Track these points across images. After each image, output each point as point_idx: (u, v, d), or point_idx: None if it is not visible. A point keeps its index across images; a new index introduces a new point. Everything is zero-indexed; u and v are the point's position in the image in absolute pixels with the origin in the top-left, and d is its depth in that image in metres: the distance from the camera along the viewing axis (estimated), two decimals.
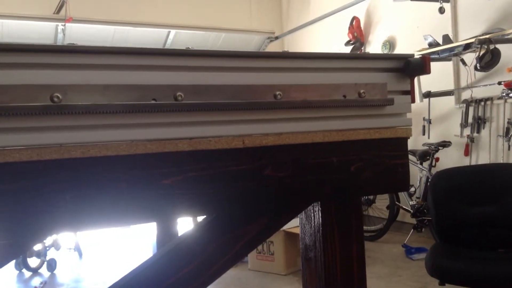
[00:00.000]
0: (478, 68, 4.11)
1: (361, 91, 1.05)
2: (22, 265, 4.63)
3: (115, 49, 0.85)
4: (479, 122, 4.49)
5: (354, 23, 5.95)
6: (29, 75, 0.79)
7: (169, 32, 6.51)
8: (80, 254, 5.24)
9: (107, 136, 0.84)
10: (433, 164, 4.66)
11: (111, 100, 0.83)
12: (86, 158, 0.82)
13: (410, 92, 1.14)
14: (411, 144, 4.67)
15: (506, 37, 4.04)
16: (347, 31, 6.02)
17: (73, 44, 0.82)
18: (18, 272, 4.69)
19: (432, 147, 4.63)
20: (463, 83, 4.68)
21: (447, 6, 4.70)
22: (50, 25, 5.68)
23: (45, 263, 4.69)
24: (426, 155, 4.70)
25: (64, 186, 0.81)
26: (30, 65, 0.79)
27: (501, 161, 4.29)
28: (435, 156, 4.66)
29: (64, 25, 5.52)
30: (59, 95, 0.79)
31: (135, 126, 0.86)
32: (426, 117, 4.87)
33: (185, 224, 4.41)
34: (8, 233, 0.79)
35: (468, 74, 4.47)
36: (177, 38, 6.62)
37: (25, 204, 0.78)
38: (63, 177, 0.81)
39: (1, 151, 0.77)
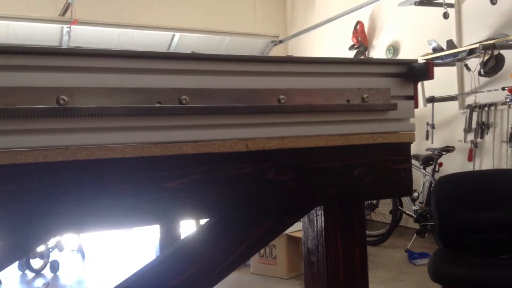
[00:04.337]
0: (482, 73, 4.11)
1: (365, 96, 1.06)
2: (25, 266, 4.65)
3: (121, 52, 0.86)
4: (483, 128, 4.49)
5: (358, 28, 5.95)
6: (35, 77, 0.80)
7: (174, 35, 6.52)
8: (83, 256, 5.25)
9: (113, 139, 0.85)
10: (437, 169, 4.65)
11: (116, 103, 0.83)
12: (91, 160, 0.82)
13: (414, 98, 1.14)
14: (414, 149, 4.67)
15: (510, 42, 4.04)
16: (351, 35, 6.02)
17: (79, 47, 0.83)
18: (21, 273, 4.71)
19: (436, 152, 4.63)
20: (467, 88, 4.67)
21: (451, 11, 4.70)
22: (56, 27, 5.70)
23: (48, 264, 4.70)
24: (430, 160, 4.69)
25: (69, 188, 0.81)
26: (36, 67, 0.80)
27: (505, 167, 4.28)
28: (439, 161, 4.65)
29: (70, 27, 5.54)
30: (65, 98, 0.79)
31: (140, 129, 0.87)
32: (430, 122, 4.87)
33: (188, 227, 4.41)
34: (12, 234, 0.79)
35: (472, 79, 4.46)
36: (181, 41, 6.63)
37: (30, 206, 0.79)
38: (68, 179, 0.81)
39: (8, 152, 0.77)
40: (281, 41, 7.19)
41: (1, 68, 0.77)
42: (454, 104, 4.80)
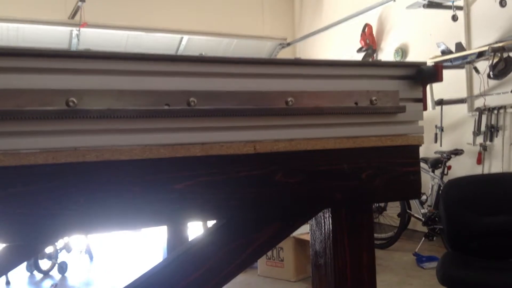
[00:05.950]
0: (491, 76, 4.09)
1: (373, 98, 1.05)
2: (34, 267, 4.67)
3: (130, 55, 0.87)
4: (492, 131, 4.46)
5: (366, 30, 5.95)
6: (45, 79, 0.80)
7: (182, 38, 6.55)
8: (91, 257, 5.27)
9: (121, 141, 0.85)
10: (445, 172, 4.63)
11: (125, 105, 0.84)
12: (100, 162, 0.83)
13: (422, 100, 1.14)
14: (423, 152, 4.66)
15: None
16: (359, 37, 6.01)
17: (89, 49, 0.83)
18: (29, 274, 4.73)
19: (444, 155, 4.60)
20: (476, 91, 4.65)
21: (460, 13, 4.68)
22: (65, 30, 5.75)
23: (56, 265, 4.72)
24: (438, 163, 4.67)
25: (77, 189, 0.82)
26: (46, 70, 0.81)
27: None
28: (447, 164, 4.63)
29: (79, 30, 5.58)
30: (74, 100, 0.80)
31: (148, 131, 0.87)
32: (439, 125, 4.85)
33: (196, 229, 4.42)
34: (21, 235, 0.80)
35: (481, 82, 4.44)
36: (189, 44, 6.65)
37: (39, 207, 0.79)
38: (77, 180, 0.82)
39: (17, 154, 0.78)
40: (288, 44, 7.19)
41: (11, 70, 0.78)
42: (463, 107, 4.77)
